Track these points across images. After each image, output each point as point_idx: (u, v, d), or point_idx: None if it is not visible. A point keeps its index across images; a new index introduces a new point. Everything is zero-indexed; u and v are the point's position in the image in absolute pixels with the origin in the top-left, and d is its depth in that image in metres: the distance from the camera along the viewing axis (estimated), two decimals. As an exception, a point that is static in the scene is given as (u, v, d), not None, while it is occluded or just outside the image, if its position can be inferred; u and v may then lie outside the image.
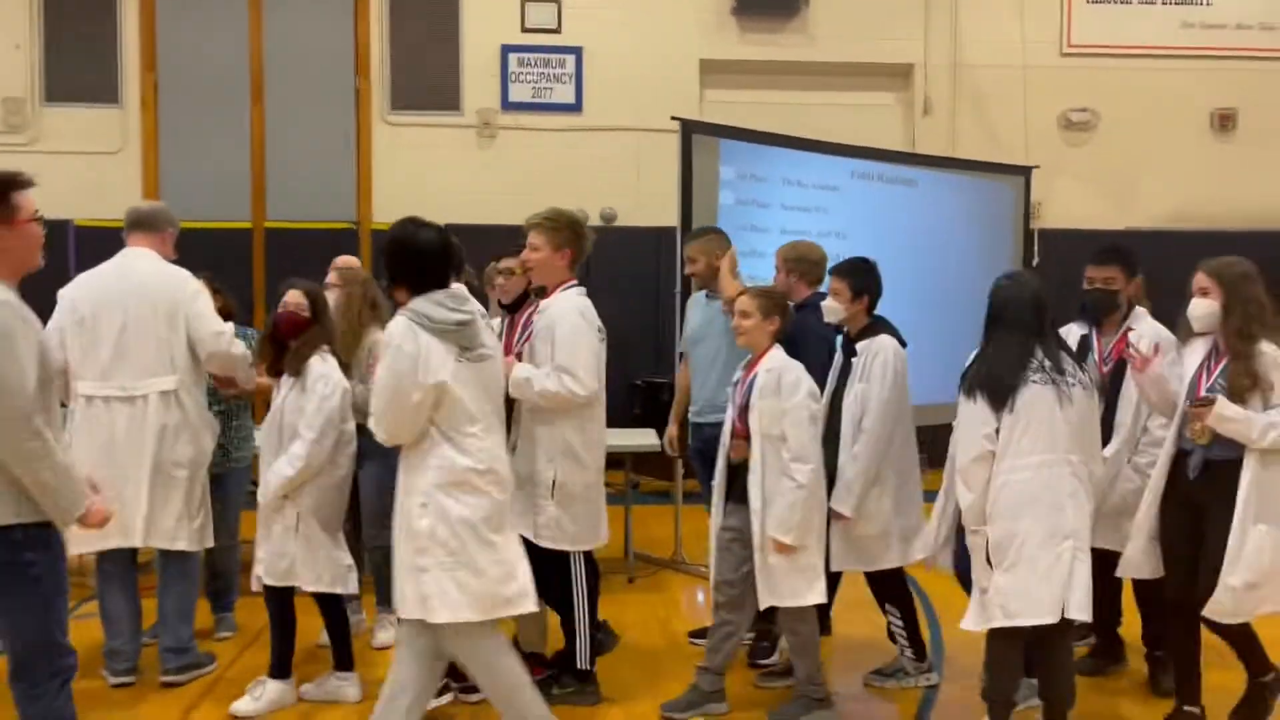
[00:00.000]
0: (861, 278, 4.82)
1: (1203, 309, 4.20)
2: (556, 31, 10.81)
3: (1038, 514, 3.87)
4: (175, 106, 10.45)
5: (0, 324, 3.17)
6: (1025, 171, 9.25)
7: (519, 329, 5.02)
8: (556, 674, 4.74)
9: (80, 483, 3.39)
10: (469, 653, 3.88)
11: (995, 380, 3.95)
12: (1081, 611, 3.88)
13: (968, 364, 4.15)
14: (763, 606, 4.44)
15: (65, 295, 5.01)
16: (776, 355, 4.46)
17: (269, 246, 10.37)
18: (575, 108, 10.86)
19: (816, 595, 4.37)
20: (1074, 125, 11.25)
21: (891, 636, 5.01)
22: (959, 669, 5.04)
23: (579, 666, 4.66)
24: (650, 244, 10.19)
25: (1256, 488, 4.01)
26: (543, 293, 4.78)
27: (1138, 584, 4.69)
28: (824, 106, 10.82)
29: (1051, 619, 3.85)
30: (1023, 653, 4.06)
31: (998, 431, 3.91)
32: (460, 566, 3.67)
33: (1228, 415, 3.99)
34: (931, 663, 5.05)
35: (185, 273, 5.06)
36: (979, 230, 8.80)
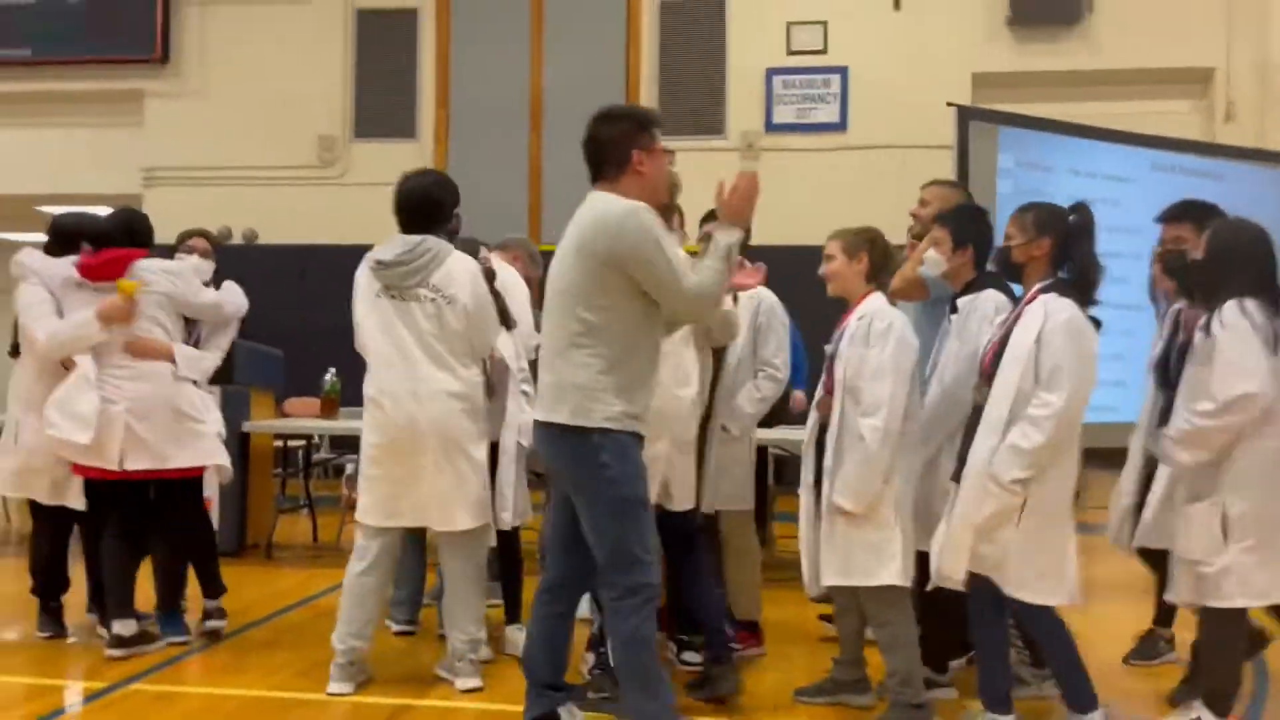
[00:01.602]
0: (966, 226, 3.81)
1: None
2: (822, 52, 9.93)
3: None
4: (463, 138, 10.29)
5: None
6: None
7: None
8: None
9: None
10: None
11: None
12: None
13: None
14: (826, 584, 3.59)
15: None
16: (873, 301, 3.62)
17: (546, 264, 9.90)
18: (840, 127, 9.88)
19: (892, 575, 3.41)
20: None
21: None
22: None
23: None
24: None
25: None
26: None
27: None
28: (1108, 116, 9.33)
29: None
30: None
31: None
32: None
33: None
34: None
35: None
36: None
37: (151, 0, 10.51)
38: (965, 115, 6.12)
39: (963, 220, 3.89)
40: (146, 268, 4.24)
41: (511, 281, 4.47)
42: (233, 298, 4.60)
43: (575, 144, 11.05)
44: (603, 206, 3.10)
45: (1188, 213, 4.01)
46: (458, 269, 3.85)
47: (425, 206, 3.91)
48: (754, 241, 8.80)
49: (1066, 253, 3.34)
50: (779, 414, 5.24)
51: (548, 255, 11.13)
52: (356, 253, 9.68)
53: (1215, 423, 3.18)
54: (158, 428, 4.13)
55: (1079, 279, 3.33)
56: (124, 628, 4.13)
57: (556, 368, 3.12)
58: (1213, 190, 6.75)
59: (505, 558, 4.48)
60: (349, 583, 3.83)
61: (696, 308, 3.21)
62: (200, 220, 10.41)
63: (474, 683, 3.84)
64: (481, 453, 3.91)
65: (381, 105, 10.48)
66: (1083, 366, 3.19)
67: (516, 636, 4.25)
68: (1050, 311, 3.24)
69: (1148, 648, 4.25)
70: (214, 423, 4.39)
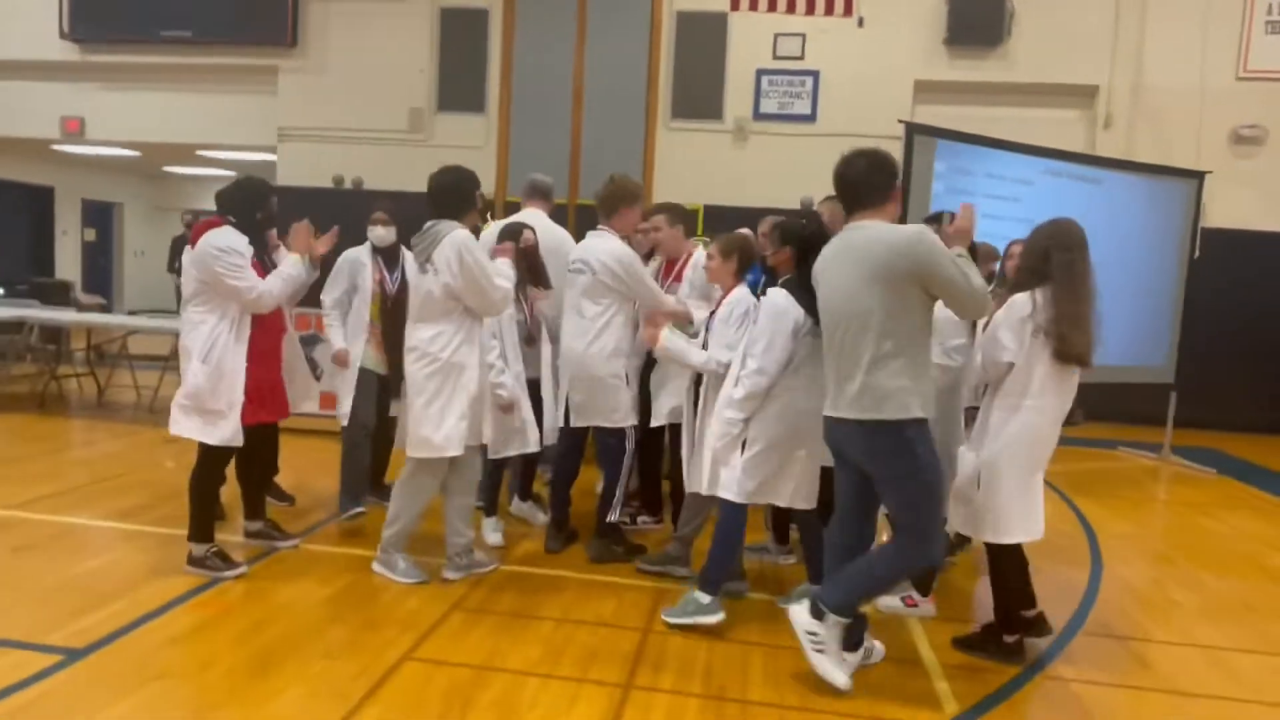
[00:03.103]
0: (788, 233, 3.51)
1: None
2: (800, 59, 9.60)
3: None
4: (521, 112, 10.03)
5: None
6: (1199, 176, 7.30)
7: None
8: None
9: None
10: None
11: None
12: None
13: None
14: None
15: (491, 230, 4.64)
16: (738, 291, 3.58)
17: (579, 216, 9.82)
18: (811, 118, 9.62)
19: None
20: (1244, 139, 8.98)
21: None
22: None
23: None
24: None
25: None
26: None
27: None
28: (1016, 121, 9.11)
29: None
30: None
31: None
32: None
33: None
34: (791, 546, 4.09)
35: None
36: (1152, 226, 7.03)
37: (284, -4, 10.17)
38: (911, 129, 5.94)
39: (786, 230, 3.77)
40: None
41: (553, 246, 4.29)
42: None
43: (607, 121, 10.88)
44: (889, 235, 2.75)
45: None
46: (446, 246, 3.42)
47: (438, 196, 3.58)
48: (743, 203, 8.91)
49: (804, 257, 3.19)
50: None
51: (582, 207, 11.12)
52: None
53: None
54: None
55: (806, 275, 3.13)
56: None
57: (865, 376, 2.75)
58: (1092, 192, 6.69)
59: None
60: None
61: (984, 303, 2.81)
62: (319, 169, 10.39)
63: (456, 576, 3.69)
64: (433, 397, 3.50)
65: (458, 85, 10.18)
66: (775, 339, 3.18)
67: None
68: (765, 299, 3.28)
69: None
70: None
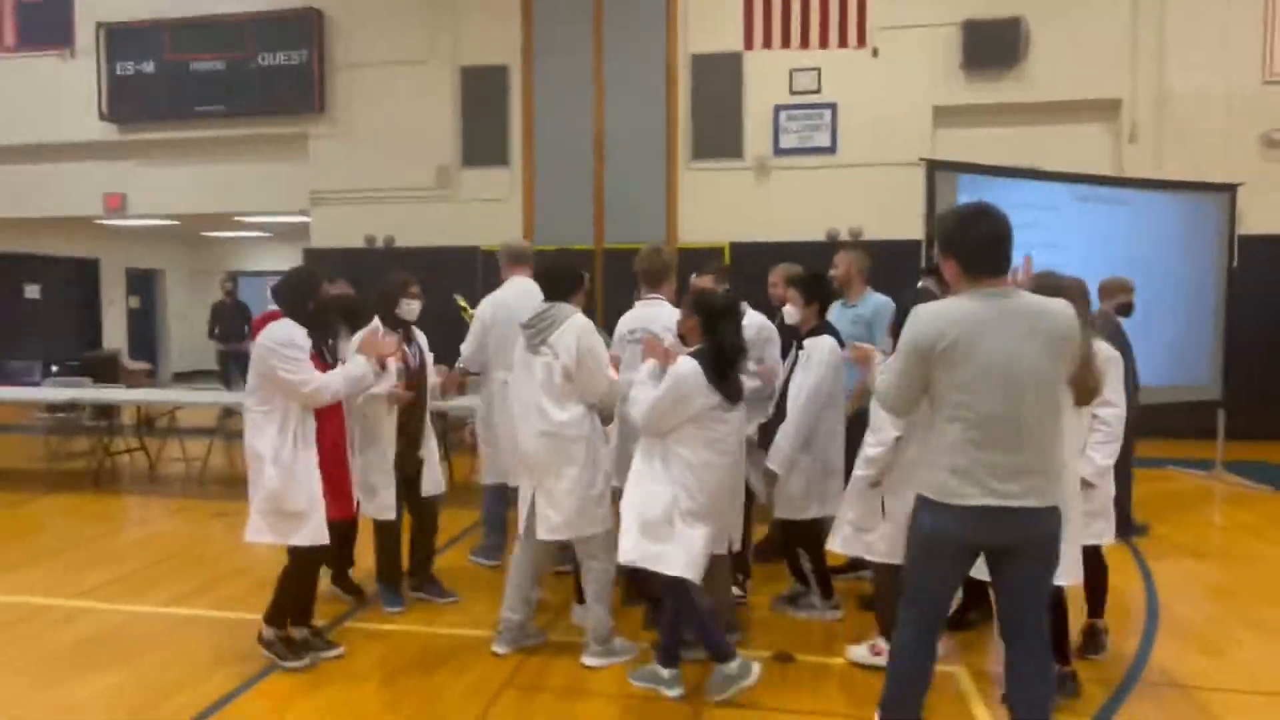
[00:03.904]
0: (812, 288, 3.96)
1: None
2: (817, 92, 9.67)
3: None
4: (545, 165, 10.22)
5: None
6: (1231, 189, 7.20)
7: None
8: None
9: None
10: None
11: None
12: None
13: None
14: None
15: (485, 304, 4.80)
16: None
17: (606, 262, 9.94)
18: (831, 150, 9.67)
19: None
20: (1275, 143, 8.83)
21: (800, 575, 4.19)
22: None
23: None
24: (892, 253, 8.93)
25: None
26: None
27: None
28: (1038, 140, 9.10)
29: None
30: None
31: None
32: None
33: None
34: (838, 601, 4.16)
35: None
36: (1186, 242, 6.93)
37: (311, 65, 10.50)
38: (931, 166, 5.96)
39: (810, 284, 3.96)
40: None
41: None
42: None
43: (629, 166, 11.19)
44: (1058, 307, 2.57)
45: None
46: (568, 331, 3.55)
47: (553, 278, 3.70)
48: (767, 239, 8.94)
49: (709, 328, 3.28)
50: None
51: (608, 251, 11.26)
52: (468, 252, 9.80)
53: None
54: None
55: (712, 348, 3.25)
56: None
57: (1050, 454, 2.53)
58: (1121, 213, 6.63)
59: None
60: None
61: None
62: (351, 229, 10.64)
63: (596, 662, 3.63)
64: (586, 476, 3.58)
65: (482, 141, 10.40)
66: (660, 401, 3.22)
67: None
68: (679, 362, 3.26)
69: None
70: None
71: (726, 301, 3.39)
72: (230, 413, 8.36)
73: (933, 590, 2.62)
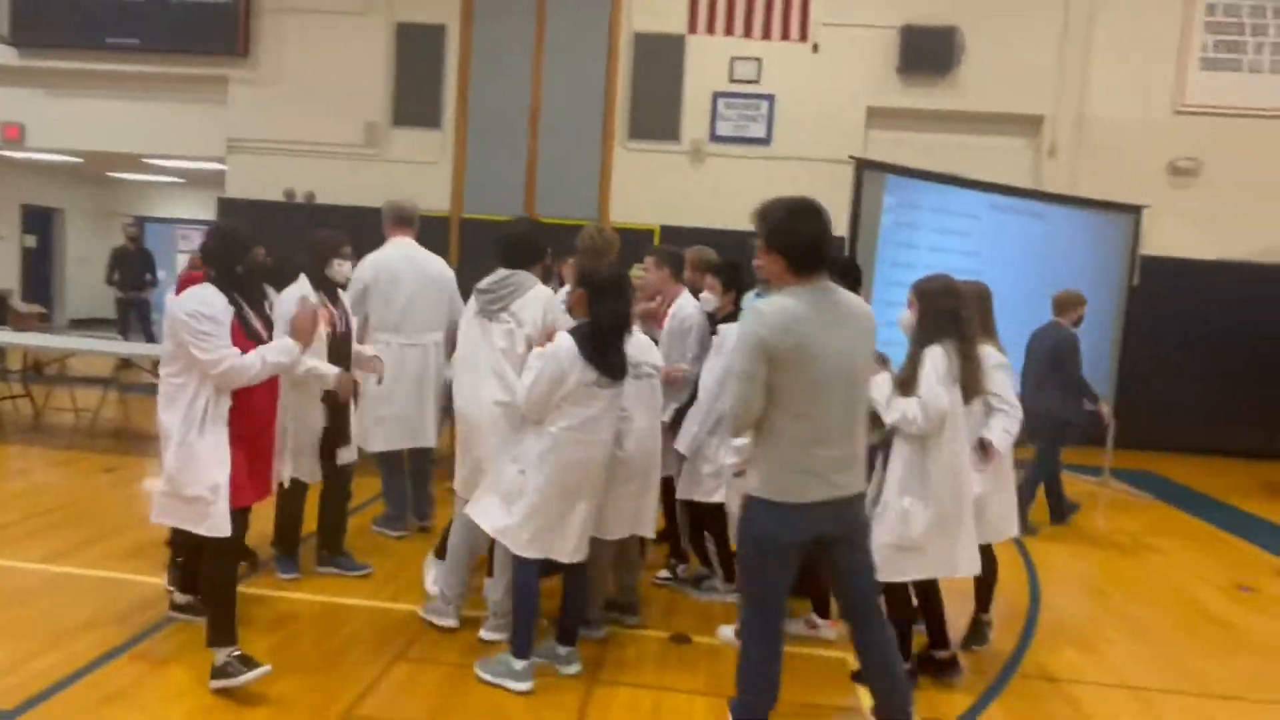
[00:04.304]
0: (731, 276, 4.12)
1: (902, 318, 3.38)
2: (756, 82, 9.72)
3: None
4: (478, 131, 9.98)
5: None
6: (1137, 210, 7.55)
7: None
8: None
9: None
10: None
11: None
12: None
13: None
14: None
15: (366, 265, 4.61)
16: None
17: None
18: (766, 142, 9.75)
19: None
20: (1180, 171, 9.32)
21: (705, 558, 4.23)
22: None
23: None
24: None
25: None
26: None
27: None
28: (964, 148, 9.36)
29: None
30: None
31: None
32: None
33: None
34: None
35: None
36: (1092, 256, 7.25)
37: (236, 4, 9.99)
38: (861, 165, 6.05)
39: (727, 271, 4.11)
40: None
41: None
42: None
43: (564, 140, 11.05)
44: (866, 305, 2.73)
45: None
46: (532, 301, 3.47)
47: (515, 245, 3.58)
48: (699, 224, 8.95)
49: (596, 301, 3.21)
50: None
51: (549, 226, 10.93)
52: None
53: None
54: None
55: (593, 323, 3.20)
56: None
57: (863, 443, 2.68)
58: (1036, 226, 6.89)
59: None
60: None
61: None
62: (270, 181, 10.21)
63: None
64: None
65: (415, 101, 10.11)
66: (540, 376, 3.15)
67: None
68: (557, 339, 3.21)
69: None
70: None
71: (610, 275, 3.31)
72: (127, 364, 7.97)
73: (773, 590, 2.65)
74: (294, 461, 3.97)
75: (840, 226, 7.54)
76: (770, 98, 9.70)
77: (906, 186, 6.19)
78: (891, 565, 3.13)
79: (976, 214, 6.47)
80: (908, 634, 3.29)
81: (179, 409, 3.06)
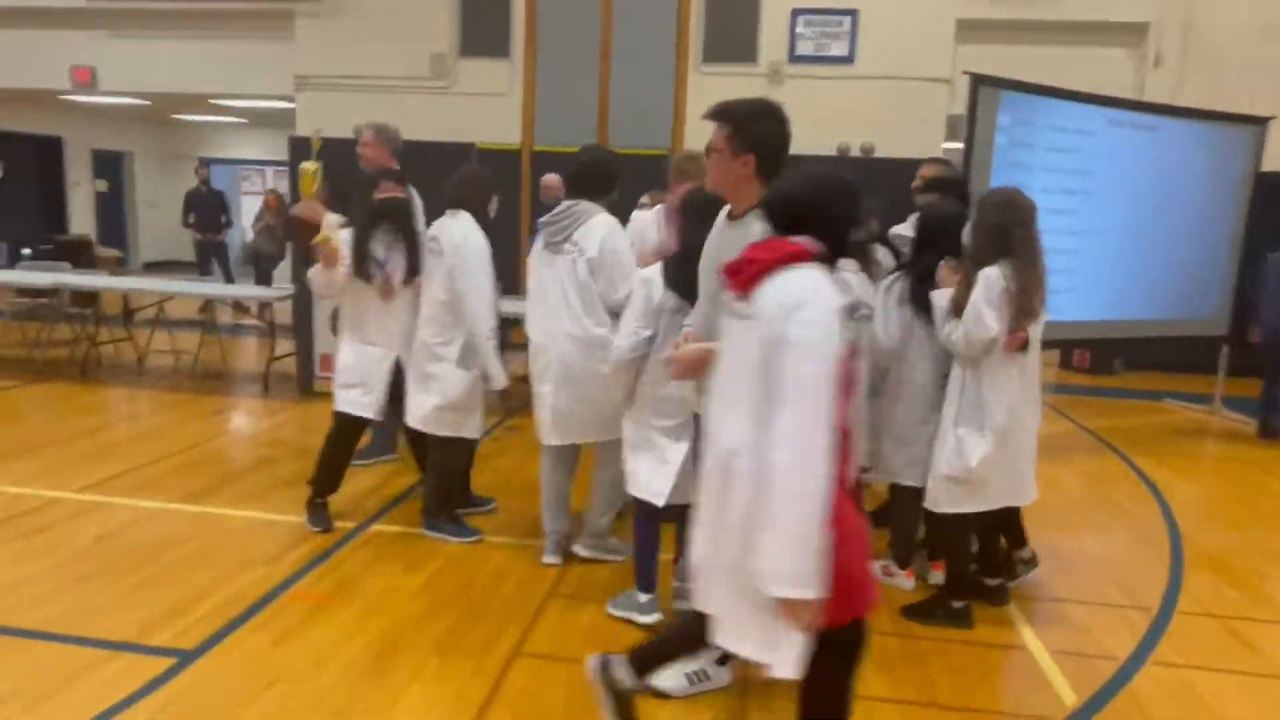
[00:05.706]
0: None
1: None
2: (838, -3, 9.23)
3: None
4: (548, 60, 9.69)
5: None
6: (1263, 122, 7.04)
7: None
8: None
9: None
10: None
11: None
12: None
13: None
14: None
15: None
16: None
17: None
18: (849, 60, 9.29)
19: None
20: (1299, 77, 8.67)
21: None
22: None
23: None
24: (905, 173, 8.75)
25: None
26: None
27: None
28: (1061, 60, 8.80)
29: None
30: None
31: None
32: None
33: None
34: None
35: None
36: (1207, 173, 6.81)
37: (298, -64, 9.71)
38: (977, 80, 5.70)
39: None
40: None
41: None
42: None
43: (636, 66, 10.61)
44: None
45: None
46: (595, 228, 3.41)
47: (585, 172, 3.51)
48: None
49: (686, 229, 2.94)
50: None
51: (623, 157, 10.66)
52: (459, 148, 9.17)
53: None
54: None
55: (682, 250, 2.96)
56: None
57: None
58: (1148, 139, 6.47)
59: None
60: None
61: None
62: (339, 117, 10.06)
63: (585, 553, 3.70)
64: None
65: (483, 30, 9.83)
66: (632, 308, 3.08)
67: None
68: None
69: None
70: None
71: (706, 200, 2.96)
72: (213, 304, 8.05)
73: None
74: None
75: (931, 148, 7.24)
76: (853, 13, 9.20)
77: (1020, 103, 5.82)
78: (945, 497, 3.11)
79: (1091, 130, 6.08)
80: (962, 575, 3.26)
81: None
